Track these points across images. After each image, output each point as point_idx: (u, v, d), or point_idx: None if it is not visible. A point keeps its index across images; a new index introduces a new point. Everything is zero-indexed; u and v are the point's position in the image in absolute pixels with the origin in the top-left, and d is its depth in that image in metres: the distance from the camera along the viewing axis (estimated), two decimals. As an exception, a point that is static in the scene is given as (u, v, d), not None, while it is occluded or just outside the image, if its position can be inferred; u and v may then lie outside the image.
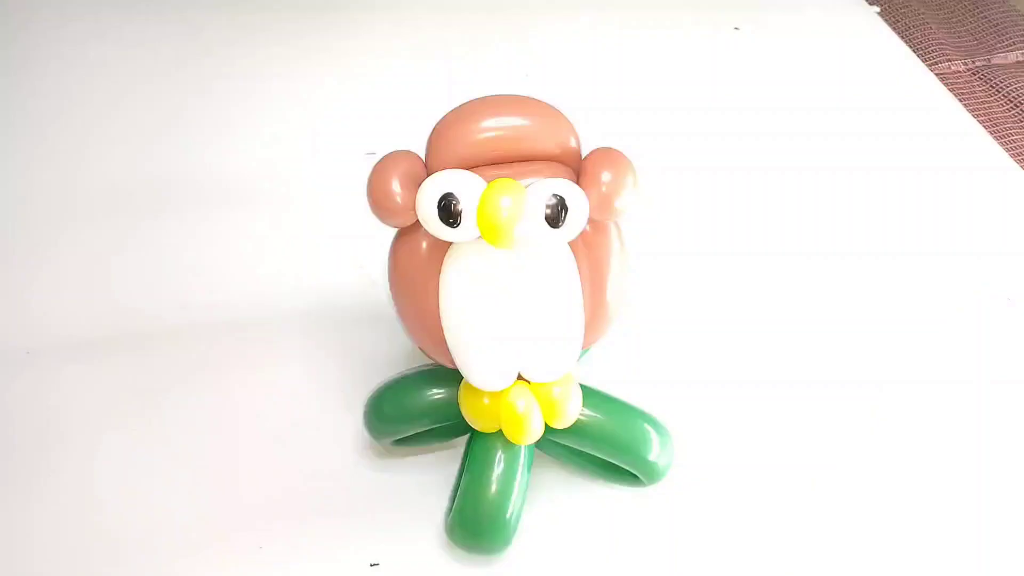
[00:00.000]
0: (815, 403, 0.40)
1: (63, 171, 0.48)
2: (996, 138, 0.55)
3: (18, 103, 0.52)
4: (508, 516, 0.32)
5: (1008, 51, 0.63)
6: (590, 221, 0.29)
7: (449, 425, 0.34)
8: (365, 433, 0.36)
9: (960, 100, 0.58)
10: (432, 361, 0.33)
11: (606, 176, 0.28)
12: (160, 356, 0.40)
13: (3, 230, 0.45)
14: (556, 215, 0.27)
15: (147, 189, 0.48)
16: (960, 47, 0.64)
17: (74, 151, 0.50)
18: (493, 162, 0.29)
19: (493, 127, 0.29)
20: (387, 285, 0.31)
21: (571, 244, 0.29)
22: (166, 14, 0.60)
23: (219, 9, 0.61)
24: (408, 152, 0.29)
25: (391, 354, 0.40)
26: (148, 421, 0.38)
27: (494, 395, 0.31)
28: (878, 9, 0.66)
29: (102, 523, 0.35)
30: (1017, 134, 0.56)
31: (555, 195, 0.27)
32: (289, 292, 0.43)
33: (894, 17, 0.66)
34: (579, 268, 0.29)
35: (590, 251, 0.30)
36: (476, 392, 0.31)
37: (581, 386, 0.33)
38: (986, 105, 0.59)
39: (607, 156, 0.29)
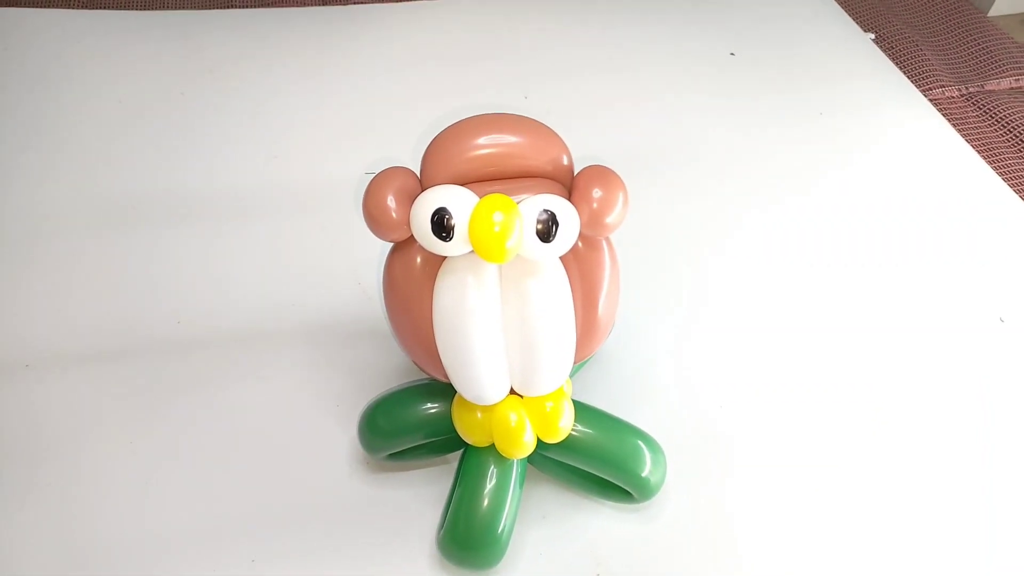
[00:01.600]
0: (810, 419, 0.40)
1: (65, 186, 0.49)
2: (989, 162, 0.55)
3: (24, 119, 0.53)
4: (500, 531, 0.32)
5: (1001, 77, 0.64)
6: (582, 237, 0.29)
7: (442, 440, 0.35)
8: (359, 447, 0.36)
9: (954, 125, 0.58)
10: (426, 376, 0.33)
11: (597, 193, 0.29)
12: (156, 369, 0.40)
13: (8, 244, 0.46)
14: (547, 230, 0.27)
15: (147, 204, 0.48)
16: (954, 73, 0.65)
17: (78, 167, 0.50)
18: (487, 178, 0.30)
19: (487, 144, 0.29)
20: (382, 299, 0.32)
21: (563, 260, 0.30)
22: (174, 34, 0.61)
23: (225, 30, 0.62)
24: (403, 168, 0.30)
25: (386, 369, 0.40)
26: (144, 433, 0.38)
27: (486, 409, 0.31)
28: (873, 36, 0.67)
29: (97, 533, 0.35)
30: (1010, 158, 0.57)
31: (546, 210, 0.27)
32: (286, 306, 0.43)
33: (888, 44, 0.67)
34: (571, 283, 0.30)
35: (582, 267, 0.30)
36: (469, 406, 0.32)
37: (574, 402, 0.33)
38: (979, 130, 0.59)
39: (598, 173, 0.29)
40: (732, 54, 0.63)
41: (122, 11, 0.63)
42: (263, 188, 0.50)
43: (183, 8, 0.64)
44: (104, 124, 0.53)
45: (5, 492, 0.36)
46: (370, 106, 0.56)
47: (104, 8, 0.63)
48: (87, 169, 0.50)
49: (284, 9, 0.65)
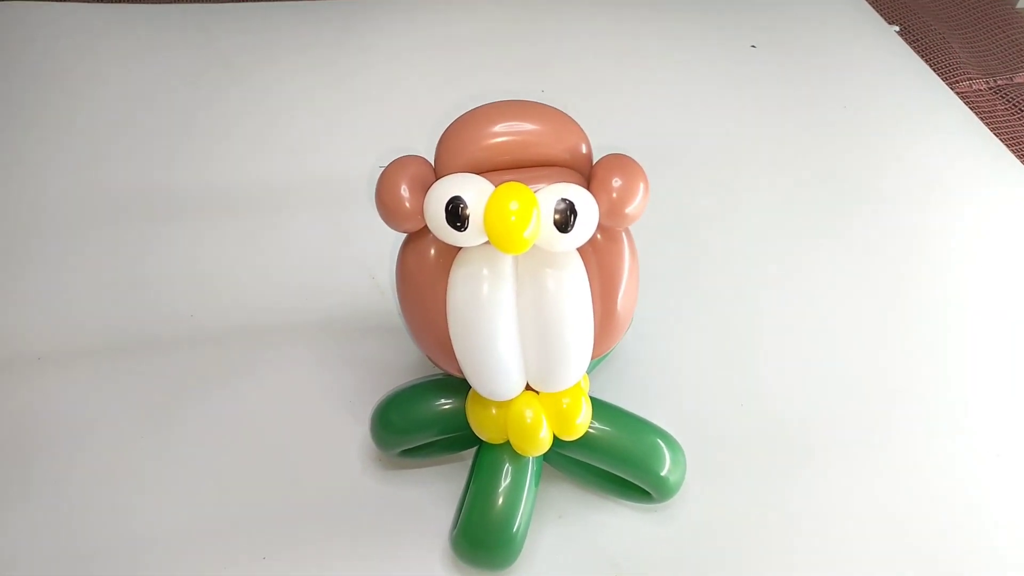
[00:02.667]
0: (831, 417, 0.39)
1: (77, 180, 0.49)
2: (1018, 155, 0.54)
3: (34, 113, 0.53)
4: (514, 531, 0.32)
5: (1030, 70, 0.63)
6: (601, 228, 0.28)
7: (456, 436, 0.34)
8: (371, 444, 0.35)
9: (981, 118, 0.57)
10: (440, 371, 0.32)
11: (617, 182, 0.28)
12: (168, 364, 0.40)
13: (18, 237, 0.46)
14: (565, 220, 0.26)
15: (160, 198, 0.48)
16: (981, 66, 0.63)
17: (89, 160, 0.50)
18: (503, 167, 0.29)
19: (503, 132, 0.28)
20: (395, 293, 0.31)
21: (581, 251, 0.29)
22: (181, 28, 0.61)
23: (233, 23, 0.61)
24: (417, 157, 0.29)
25: (400, 364, 0.40)
26: (156, 428, 0.38)
27: (501, 405, 0.31)
28: (898, 28, 0.66)
29: (109, 528, 0.34)
30: (1040, 152, 0.55)
31: (564, 200, 0.26)
32: (299, 301, 0.43)
33: (913, 36, 0.65)
34: (589, 276, 0.29)
35: (601, 259, 0.29)
36: (483, 402, 0.31)
37: (591, 399, 0.32)
38: (1008, 123, 0.58)
39: (618, 162, 0.28)
40: (753, 46, 0.62)
41: (134, 4, 0.63)
42: (276, 182, 0.49)
43: (195, 1, 0.64)
44: (115, 118, 0.53)
45: (11, 488, 0.35)
46: (384, 99, 0.56)
47: (117, 2, 0.63)
48: (99, 162, 0.50)
49: (296, 2, 0.64)
